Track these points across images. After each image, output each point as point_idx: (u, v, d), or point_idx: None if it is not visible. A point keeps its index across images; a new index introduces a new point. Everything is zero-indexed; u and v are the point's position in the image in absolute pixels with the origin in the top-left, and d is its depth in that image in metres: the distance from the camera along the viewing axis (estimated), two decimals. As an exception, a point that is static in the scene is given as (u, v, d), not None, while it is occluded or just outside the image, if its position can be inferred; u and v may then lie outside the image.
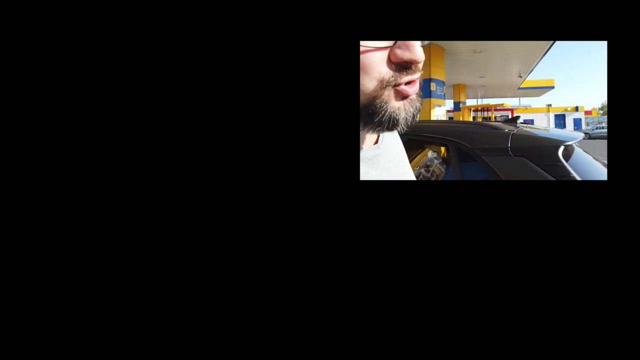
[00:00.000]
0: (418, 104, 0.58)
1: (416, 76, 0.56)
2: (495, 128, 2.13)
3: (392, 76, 0.54)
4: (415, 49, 0.53)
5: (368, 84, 0.54)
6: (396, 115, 0.56)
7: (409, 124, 0.58)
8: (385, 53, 0.52)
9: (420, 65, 0.56)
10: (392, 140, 0.80)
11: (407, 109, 0.57)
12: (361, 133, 0.64)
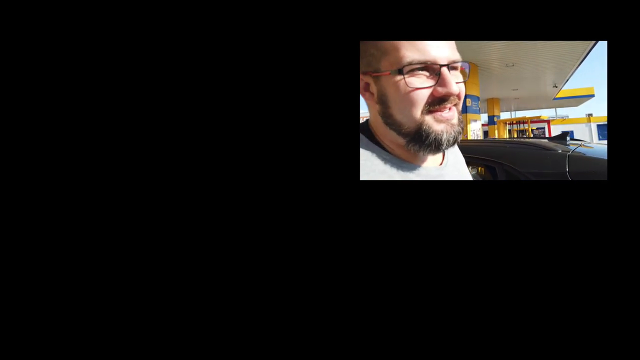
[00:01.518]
0: (458, 128, 0.68)
1: (451, 104, 0.66)
2: (547, 148, 1.94)
3: (434, 106, 0.64)
4: (451, 85, 0.63)
5: (416, 113, 0.64)
6: (440, 137, 0.66)
7: (451, 144, 0.68)
8: (429, 90, 0.63)
9: (456, 97, 0.66)
10: (456, 162, 0.85)
11: (448, 131, 0.66)
12: (419, 154, 0.71)
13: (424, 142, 0.66)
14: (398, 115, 0.65)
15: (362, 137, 0.73)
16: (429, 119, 0.64)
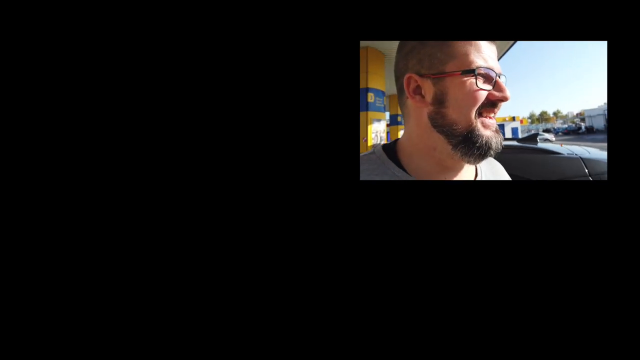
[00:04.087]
0: (501, 137, 0.72)
1: (497, 111, 0.71)
2: (551, 152, 1.93)
3: (485, 108, 0.68)
4: (507, 91, 0.69)
5: (472, 112, 0.68)
6: (490, 141, 0.69)
7: (499, 150, 0.71)
8: (486, 92, 0.67)
9: (501, 105, 0.71)
10: (495, 174, 0.87)
11: (496, 138, 0.70)
12: (460, 163, 0.75)
13: (474, 144, 0.69)
14: (454, 114, 0.69)
15: (383, 154, 0.76)
16: (478, 123, 0.69)
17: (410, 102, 0.72)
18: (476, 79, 0.67)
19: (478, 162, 0.74)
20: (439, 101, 0.69)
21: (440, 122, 0.70)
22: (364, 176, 0.76)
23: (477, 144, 0.69)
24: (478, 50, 0.68)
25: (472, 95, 0.67)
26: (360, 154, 0.80)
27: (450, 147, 0.71)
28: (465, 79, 0.67)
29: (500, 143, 0.72)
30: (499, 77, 0.69)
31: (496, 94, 0.69)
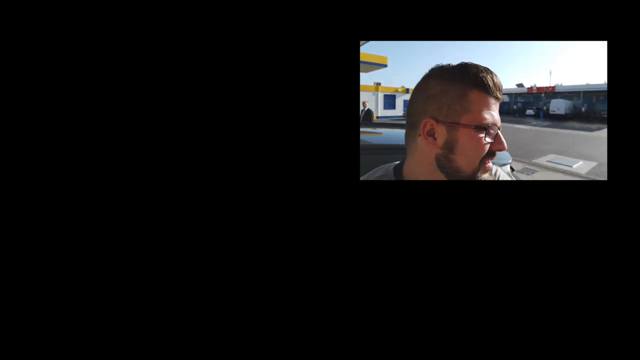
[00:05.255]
0: (492, 177, 0.83)
1: (493, 158, 0.80)
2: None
3: (486, 157, 0.77)
4: (505, 143, 0.78)
5: (477, 160, 0.76)
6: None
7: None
8: (489, 145, 0.77)
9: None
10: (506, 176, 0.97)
11: (490, 179, 0.80)
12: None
13: None
14: (461, 160, 0.77)
15: (393, 177, 0.85)
16: (480, 169, 0.78)
17: (421, 140, 0.79)
18: (485, 134, 0.76)
19: None
20: (449, 147, 0.77)
21: (446, 165, 0.78)
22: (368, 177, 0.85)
23: None
24: (489, 108, 0.77)
25: (480, 147, 0.77)
26: (375, 176, 0.87)
27: None
28: (476, 132, 0.76)
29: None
30: (499, 129, 0.79)
31: (497, 145, 0.79)
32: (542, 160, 9.19)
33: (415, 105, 0.80)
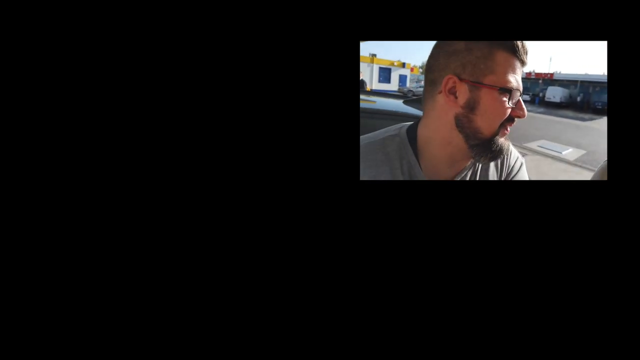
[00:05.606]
0: (510, 143, 0.81)
1: (512, 125, 0.78)
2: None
3: (505, 122, 0.76)
4: (525, 110, 0.77)
5: (497, 123, 0.75)
6: (502, 148, 0.78)
7: (507, 154, 0.83)
8: (510, 109, 0.75)
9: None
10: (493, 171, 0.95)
11: (506, 145, 0.79)
12: (469, 159, 0.82)
13: (490, 148, 0.77)
14: (481, 121, 0.75)
15: (406, 137, 0.82)
16: (499, 133, 0.77)
17: (441, 98, 0.76)
18: (509, 98, 0.74)
19: (486, 163, 0.82)
20: (470, 107, 0.75)
21: (466, 125, 0.76)
22: (382, 157, 0.81)
23: (492, 149, 0.77)
24: (514, 72, 0.74)
25: (502, 110, 0.75)
26: (386, 134, 0.84)
27: (467, 146, 0.77)
28: (500, 95, 0.74)
29: (509, 147, 0.81)
30: (521, 96, 0.77)
31: (517, 111, 0.77)
32: (533, 145, 9.27)
33: (437, 61, 0.76)
